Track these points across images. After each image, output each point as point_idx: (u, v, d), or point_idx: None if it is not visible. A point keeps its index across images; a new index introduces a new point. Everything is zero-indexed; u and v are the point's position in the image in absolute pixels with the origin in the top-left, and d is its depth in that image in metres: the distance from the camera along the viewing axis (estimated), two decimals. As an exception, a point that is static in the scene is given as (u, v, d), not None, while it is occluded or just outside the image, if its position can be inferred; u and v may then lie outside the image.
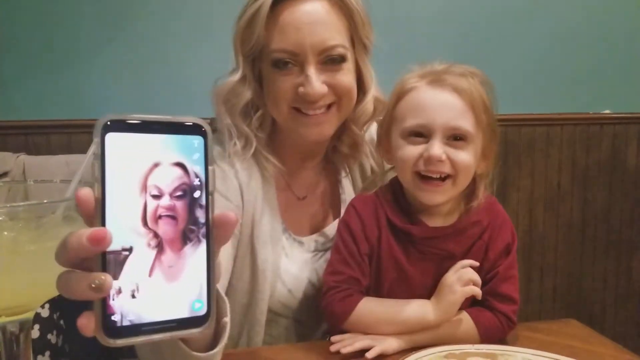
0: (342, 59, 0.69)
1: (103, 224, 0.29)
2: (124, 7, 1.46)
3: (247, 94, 0.72)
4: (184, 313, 0.31)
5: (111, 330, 0.29)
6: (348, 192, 0.83)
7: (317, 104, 0.69)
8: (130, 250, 0.30)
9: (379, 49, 0.75)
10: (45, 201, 0.38)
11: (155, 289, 0.31)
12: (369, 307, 0.66)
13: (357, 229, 0.68)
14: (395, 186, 0.71)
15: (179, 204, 0.31)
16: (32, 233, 0.36)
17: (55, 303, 0.71)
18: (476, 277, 0.65)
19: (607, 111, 1.76)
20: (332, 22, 0.69)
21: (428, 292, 0.67)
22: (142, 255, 0.30)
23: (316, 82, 0.68)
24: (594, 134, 1.76)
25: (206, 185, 0.32)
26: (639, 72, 1.77)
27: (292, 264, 0.77)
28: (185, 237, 0.32)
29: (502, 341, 0.67)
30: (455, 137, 0.64)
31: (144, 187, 0.31)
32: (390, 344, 0.64)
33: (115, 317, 0.29)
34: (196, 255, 0.32)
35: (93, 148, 0.32)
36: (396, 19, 1.54)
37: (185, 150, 0.32)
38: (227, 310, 0.49)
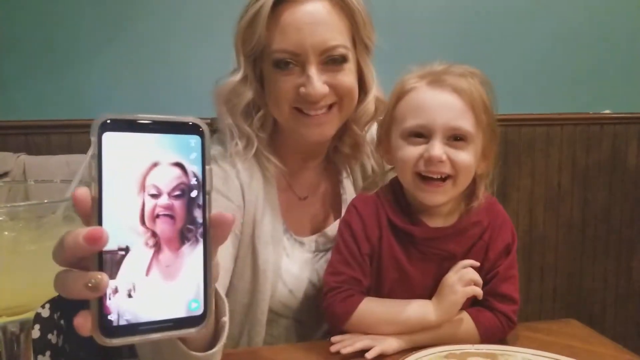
0: (343, 59, 0.69)
1: (100, 223, 0.29)
2: (125, 7, 1.46)
3: (248, 94, 0.72)
4: (180, 313, 0.31)
5: (107, 330, 0.29)
6: (349, 193, 0.82)
7: (319, 104, 0.69)
8: (126, 249, 0.30)
9: (379, 49, 0.75)
10: (45, 201, 0.38)
11: (152, 289, 0.31)
12: (370, 308, 0.66)
13: (358, 229, 0.68)
14: (396, 186, 0.71)
15: (176, 204, 0.32)
16: (32, 233, 0.36)
17: (55, 303, 0.71)
18: (477, 277, 0.65)
19: (607, 111, 1.76)
20: (333, 22, 0.69)
21: (428, 292, 0.67)
22: (139, 254, 0.30)
23: (317, 82, 0.68)
24: (594, 134, 1.76)
25: (203, 185, 0.32)
26: (639, 72, 1.77)
27: (293, 264, 0.77)
28: (182, 237, 0.32)
29: (502, 341, 0.67)
30: (456, 138, 0.64)
31: (141, 187, 0.31)
32: (390, 344, 0.64)
33: (112, 317, 0.29)
34: (193, 255, 0.32)
35: (87, 158, 0.32)
36: (396, 19, 1.54)
37: (182, 149, 0.32)
38: (225, 310, 0.49)
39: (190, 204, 0.32)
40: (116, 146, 0.30)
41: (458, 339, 0.65)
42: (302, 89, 0.68)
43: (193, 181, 0.32)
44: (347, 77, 0.71)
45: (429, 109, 0.64)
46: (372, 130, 0.82)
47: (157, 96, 1.48)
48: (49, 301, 0.68)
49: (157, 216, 0.31)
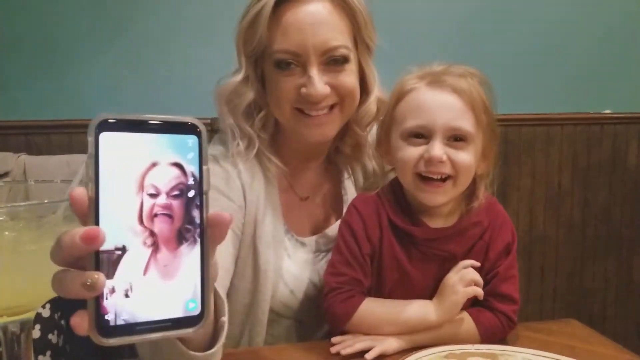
0: (344, 59, 0.69)
1: (97, 223, 0.29)
2: (125, 7, 1.47)
3: (249, 95, 0.72)
4: (178, 313, 0.31)
5: (104, 330, 0.29)
6: (351, 193, 0.82)
7: (320, 104, 0.69)
8: (124, 249, 0.30)
9: (379, 49, 0.75)
10: (46, 201, 0.38)
11: (149, 289, 0.31)
12: (370, 308, 0.66)
13: (359, 229, 0.68)
14: (396, 187, 0.71)
15: (174, 204, 0.32)
16: (33, 233, 0.36)
17: (56, 303, 0.71)
18: (478, 277, 0.65)
19: (607, 111, 1.76)
20: (334, 23, 0.68)
21: (429, 292, 0.67)
22: (136, 254, 0.30)
23: (319, 83, 0.68)
24: (595, 133, 1.76)
25: (200, 185, 0.32)
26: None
27: (294, 265, 0.77)
28: (179, 237, 0.32)
29: (502, 341, 0.67)
30: (456, 138, 0.64)
31: (139, 186, 0.31)
32: (391, 344, 0.64)
33: (109, 317, 0.29)
34: (191, 254, 0.32)
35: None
36: (396, 19, 1.54)
37: (180, 149, 0.32)
38: (225, 310, 0.49)
39: (187, 203, 0.32)
40: (113, 146, 0.30)
41: (458, 339, 0.65)
42: (304, 90, 0.68)
43: (190, 181, 0.32)
44: (349, 77, 0.71)
45: (429, 110, 0.64)
46: (374, 131, 0.82)
47: (158, 96, 1.48)
48: (50, 301, 0.68)
49: (155, 216, 0.31)
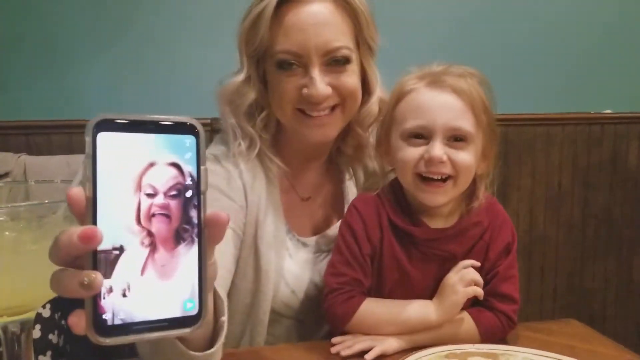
0: (346, 60, 0.69)
1: (94, 222, 0.29)
2: (126, 7, 1.47)
3: (251, 95, 0.72)
4: (175, 313, 0.31)
5: (102, 329, 0.29)
6: (352, 194, 0.82)
7: (321, 105, 0.69)
8: (121, 249, 0.30)
9: (381, 49, 0.75)
10: (46, 201, 0.38)
11: (147, 288, 0.31)
12: (370, 308, 0.66)
13: (359, 229, 0.68)
14: (396, 187, 0.71)
15: (172, 204, 0.32)
16: (33, 233, 0.36)
17: (56, 303, 0.71)
18: (478, 277, 0.65)
19: (608, 111, 1.76)
20: (336, 24, 0.68)
21: (429, 292, 0.67)
22: (134, 254, 0.30)
23: (320, 83, 0.68)
24: (595, 133, 1.76)
25: (198, 185, 0.32)
26: (640, 71, 1.77)
27: (295, 265, 0.77)
28: (177, 237, 0.32)
29: (502, 341, 0.67)
30: (456, 138, 0.64)
31: (136, 186, 0.31)
32: (391, 344, 0.64)
33: (106, 316, 0.29)
34: (188, 254, 0.32)
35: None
36: (396, 19, 1.54)
37: (177, 149, 0.32)
38: (224, 309, 0.49)
39: (185, 204, 0.32)
40: (111, 146, 0.30)
41: (458, 338, 0.65)
42: (305, 90, 0.68)
43: (188, 181, 0.32)
44: (350, 78, 0.71)
45: (428, 110, 0.64)
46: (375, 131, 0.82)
47: (158, 96, 1.48)
48: (50, 301, 0.68)
49: (152, 216, 0.31)
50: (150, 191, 0.31)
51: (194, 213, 0.32)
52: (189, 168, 0.32)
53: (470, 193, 0.69)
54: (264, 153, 0.74)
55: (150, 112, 0.32)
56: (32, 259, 0.36)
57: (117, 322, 0.30)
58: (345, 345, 0.64)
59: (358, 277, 0.67)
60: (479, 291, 0.65)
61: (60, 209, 0.36)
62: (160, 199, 0.31)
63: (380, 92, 0.75)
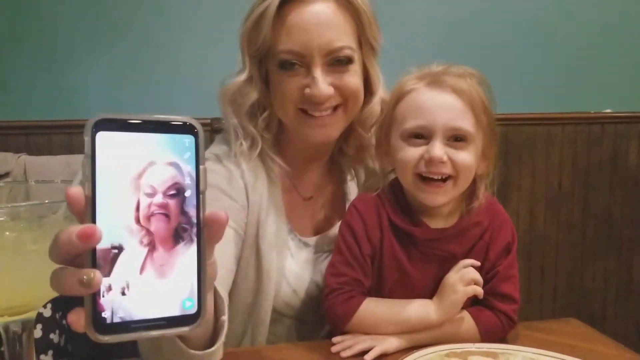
0: (348, 60, 0.69)
1: (93, 221, 0.30)
2: (126, 7, 1.47)
3: (253, 95, 0.72)
4: (174, 311, 0.32)
5: (101, 327, 0.30)
6: (353, 194, 0.82)
7: (323, 105, 0.69)
8: (120, 248, 0.30)
9: (382, 49, 0.75)
10: (46, 201, 0.38)
11: (146, 287, 0.31)
12: (371, 308, 0.66)
13: (359, 229, 0.68)
14: (396, 187, 0.71)
15: (171, 203, 0.32)
16: (33, 233, 0.36)
17: (57, 303, 0.71)
18: (478, 276, 0.65)
19: (608, 110, 1.76)
20: (339, 23, 0.68)
21: (429, 292, 0.68)
22: (133, 253, 0.31)
23: (322, 83, 0.68)
24: (595, 133, 1.75)
25: (197, 185, 0.33)
26: (640, 71, 1.77)
27: (297, 265, 0.77)
28: (176, 236, 0.32)
29: (502, 340, 0.67)
30: (456, 138, 0.64)
31: (135, 186, 0.31)
32: (391, 343, 0.64)
33: (105, 314, 0.30)
34: (187, 254, 0.32)
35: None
36: (398, 19, 1.54)
37: (176, 149, 0.32)
38: (225, 309, 0.49)
39: (184, 203, 0.32)
40: (110, 145, 0.30)
41: (459, 338, 0.65)
42: (307, 90, 0.68)
43: (187, 180, 0.32)
44: (353, 78, 0.71)
45: (428, 110, 0.64)
46: None
47: (158, 96, 1.48)
48: (51, 301, 0.68)
49: (152, 215, 0.31)
50: (149, 190, 0.31)
51: (193, 212, 0.32)
52: (188, 168, 0.32)
53: (470, 193, 0.69)
54: (266, 153, 0.74)
55: (150, 112, 0.32)
56: (32, 259, 0.36)
57: (116, 320, 0.30)
58: (345, 345, 0.64)
59: (358, 277, 0.67)
60: (479, 290, 0.65)
61: (61, 209, 0.36)
62: (159, 199, 0.31)
63: (382, 93, 0.75)
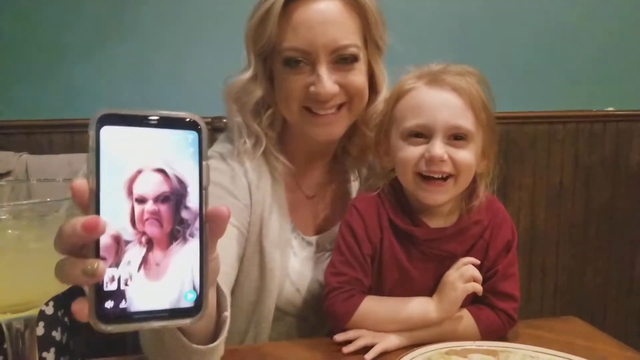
0: (354, 58, 0.69)
1: (97, 213, 0.30)
2: (127, 5, 1.47)
3: (258, 93, 0.72)
4: (176, 303, 0.32)
5: (104, 317, 0.30)
6: (357, 193, 0.83)
7: (328, 103, 0.69)
8: (123, 239, 0.31)
9: (387, 48, 0.75)
10: (48, 200, 0.38)
11: (149, 279, 0.31)
12: (371, 307, 0.66)
13: (360, 229, 0.68)
14: (396, 187, 0.71)
15: (173, 198, 0.32)
16: (35, 231, 0.36)
17: (59, 300, 0.72)
18: (477, 274, 0.65)
19: (610, 109, 1.75)
20: (344, 21, 0.68)
21: (429, 292, 0.68)
22: (136, 245, 0.31)
23: (327, 81, 0.67)
24: (597, 131, 1.75)
25: (200, 180, 0.33)
26: (642, 69, 1.76)
27: (300, 263, 0.77)
28: (179, 230, 0.32)
29: (503, 338, 0.67)
30: (456, 137, 0.64)
31: (138, 179, 0.31)
32: (392, 341, 0.64)
33: (108, 304, 0.30)
34: (190, 247, 0.33)
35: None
36: (401, 18, 1.54)
37: (179, 144, 0.32)
38: (227, 305, 0.50)
39: (187, 198, 0.33)
40: (114, 140, 0.30)
41: (459, 336, 0.65)
42: (312, 88, 0.68)
43: (190, 176, 0.33)
44: (358, 77, 0.70)
45: (428, 109, 0.64)
46: None
47: (159, 96, 1.48)
48: (53, 299, 0.69)
49: (155, 208, 0.31)
50: (153, 184, 0.31)
51: (195, 208, 0.33)
52: (191, 163, 0.33)
53: (470, 192, 0.69)
54: (270, 151, 0.74)
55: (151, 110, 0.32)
56: (34, 257, 0.36)
57: (119, 310, 0.30)
58: (347, 337, 0.64)
59: (358, 276, 0.67)
60: (478, 287, 0.65)
61: (63, 207, 0.37)
62: (162, 193, 0.32)
63: (387, 92, 0.75)
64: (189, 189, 0.33)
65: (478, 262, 0.67)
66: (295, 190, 0.80)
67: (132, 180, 0.31)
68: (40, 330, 0.69)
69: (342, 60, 0.69)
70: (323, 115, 0.70)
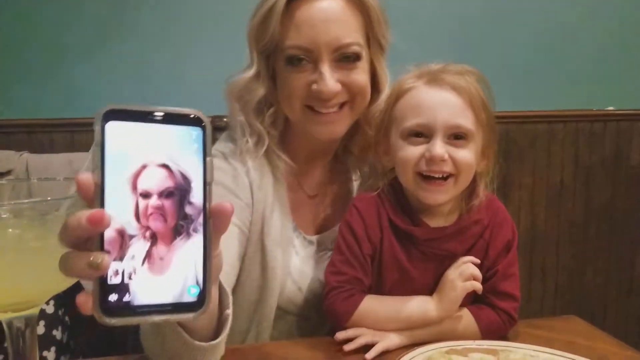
0: (356, 57, 0.69)
1: (102, 207, 0.30)
2: (127, 5, 1.47)
3: (260, 91, 0.72)
4: (179, 297, 0.32)
5: (108, 310, 0.30)
6: (358, 192, 0.83)
7: (330, 102, 0.69)
8: (127, 233, 0.31)
9: (393, 47, 0.74)
10: (49, 198, 0.38)
11: (152, 272, 0.32)
12: (371, 306, 0.66)
13: (360, 229, 0.68)
14: (396, 186, 0.71)
15: (177, 193, 0.32)
16: (36, 230, 0.36)
17: (60, 299, 0.72)
18: (477, 272, 0.65)
19: (610, 108, 1.75)
20: (347, 20, 0.68)
21: (429, 292, 0.68)
22: (140, 239, 0.31)
23: (330, 79, 0.67)
24: (597, 131, 1.75)
25: (204, 176, 0.33)
26: (643, 68, 1.76)
27: (302, 262, 0.77)
28: (182, 225, 0.33)
29: (503, 338, 0.67)
30: (456, 136, 0.64)
31: (143, 174, 0.31)
32: (392, 340, 0.64)
33: (112, 297, 0.30)
34: (194, 243, 0.33)
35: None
36: (402, 16, 1.53)
37: (184, 140, 0.33)
38: (229, 303, 0.50)
39: (190, 194, 0.33)
40: (119, 135, 0.31)
41: (459, 335, 0.65)
42: (315, 86, 0.68)
43: (194, 172, 0.33)
44: (360, 75, 0.70)
45: (428, 108, 0.64)
46: None
47: (160, 95, 1.48)
48: (54, 298, 0.69)
49: (159, 203, 0.32)
50: (157, 179, 0.32)
51: (199, 203, 0.33)
52: (195, 159, 0.33)
53: (470, 191, 0.69)
54: (272, 150, 0.74)
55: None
56: (35, 256, 0.36)
57: (123, 303, 0.31)
58: (348, 335, 0.64)
59: (358, 275, 0.67)
60: (478, 286, 0.65)
61: (63, 206, 0.37)
62: (167, 188, 0.32)
63: (388, 91, 0.75)
64: (192, 185, 0.33)
65: (478, 261, 0.67)
66: (297, 189, 0.80)
67: (136, 175, 0.31)
68: (40, 329, 0.69)
69: (345, 58, 0.69)
70: (325, 113, 0.70)
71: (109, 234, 0.30)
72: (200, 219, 0.33)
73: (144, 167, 0.31)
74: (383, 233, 0.68)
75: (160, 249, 0.32)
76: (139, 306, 0.31)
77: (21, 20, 1.43)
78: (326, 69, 0.67)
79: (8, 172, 1.23)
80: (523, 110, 1.66)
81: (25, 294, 0.38)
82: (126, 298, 0.31)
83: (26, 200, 0.42)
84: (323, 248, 0.80)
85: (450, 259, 0.68)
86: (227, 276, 0.67)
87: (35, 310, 0.39)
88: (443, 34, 1.60)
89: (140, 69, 1.48)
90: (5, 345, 0.39)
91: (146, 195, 0.31)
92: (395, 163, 0.69)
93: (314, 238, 0.79)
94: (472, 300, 0.69)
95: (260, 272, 0.74)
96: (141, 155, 0.31)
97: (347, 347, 0.63)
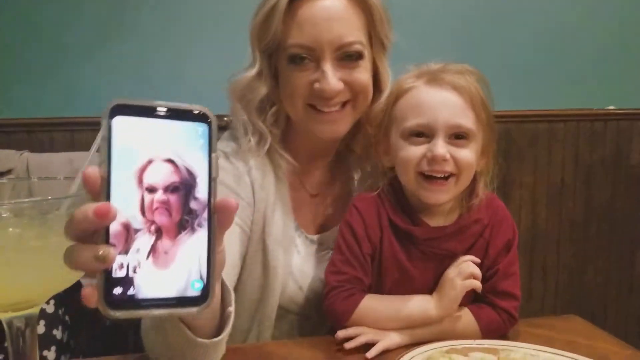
0: (358, 55, 0.69)
1: (108, 201, 0.30)
2: (127, 5, 1.47)
3: (262, 90, 0.72)
4: (183, 292, 0.33)
5: (112, 303, 0.31)
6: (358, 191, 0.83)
7: (332, 100, 0.69)
8: (133, 227, 0.31)
9: (395, 46, 0.74)
10: (49, 198, 0.38)
11: (157, 266, 0.32)
12: (371, 305, 0.66)
13: (360, 229, 0.68)
14: (396, 186, 0.71)
15: (182, 188, 0.33)
16: (36, 229, 0.36)
17: (60, 299, 0.72)
18: (477, 270, 0.65)
19: (611, 107, 1.75)
20: (349, 18, 0.68)
21: (429, 291, 0.68)
22: (145, 233, 0.32)
23: (332, 78, 0.67)
24: (598, 130, 1.75)
25: (209, 172, 0.33)
26: (643, 68, 1.76)
27: (303, 262, 0.77)
28: (187, 219, 0.33)
29: (503, 337, 0.67)
30: (457, 136, 0.64)
31: (148, 169, 0.32)
32: (393, 339, 0.64)
33: (117, 291, 0.31)
34: (198, 238, 0.33)
35: (95, 146, 0.34)
36: (403, 16, 1.53)
37: (190, 136, 0.33)
38: (231, 300, 0.50)
39: (195, 189, 0.33)
40: (126, 130, 0.31)
41: (459, 334, 0.65)
42: (317, 85, 0.68)
43: (199, 167, 0.33)
44: (362, 74, 0.70)
45: (429, 108, 0.64)
46: None
47: (160, 95, 1.48)
48: (54, 297, 0.69)
49: (164, 198, 0.32)
50: (162, 174, 0.32)
51: (204, 199, 0.33)
52: (201, 155, 0.33)
53: (470, 190, 0.69)
54: (274, 149, 0.74)
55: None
56: (35, 255, 0.36)
57: (127, 297, 0.31)
58: (349, 334, 0.64)
59: (358, 275, 0.67)
60: (477, 284, 0.65)
61: (64, 205, 0.37)
62: (172, 183, 0.32)
63: (388, 91, 0.75)
64: (198, 180, 0.33)
65: (478, 260, 0.67)
66: (299, 188, 0.80)
67: (142, 170, 0.31)
68: (41, 328, 0.69)
69: (347, 57, 0.69)
70: (327, 112, 0.70)
71: (114, 227, 0.31)
72: (205, 214, 0.33)
73: (150, 162, 0.31)
74: (383, 233, 0.68)
75: (165, 243, 0.32)
76: (143, 299, 0.31)
77: (21, 20, 1.43)
78: (328, 68, 0.67)
79: (8, 171, 1.23)
80: (524, 110, 1.66)
81: (25, 293, 0.38)
82: (131, 291, 0.31)
83: (26, 200, 0.42)
84: (324, 247, 0.80)
85: (450, 258, 0.68)
86: (228, 275, 0.67)
87: (35, 310, 0.39)
88: (445, 33, 1.60)
89: (140, 69, 1.48)
90: (6, 344, 0.39)
91: (152, 189, 0.32)
92: (395, 163, 0.69)
93: (316, 237, 0.79)
94: (472, 299, 0.68)
95: (262, 271, 0.74)
96: (147, 150, 0.31)
97: (348, 345, 0.63)
